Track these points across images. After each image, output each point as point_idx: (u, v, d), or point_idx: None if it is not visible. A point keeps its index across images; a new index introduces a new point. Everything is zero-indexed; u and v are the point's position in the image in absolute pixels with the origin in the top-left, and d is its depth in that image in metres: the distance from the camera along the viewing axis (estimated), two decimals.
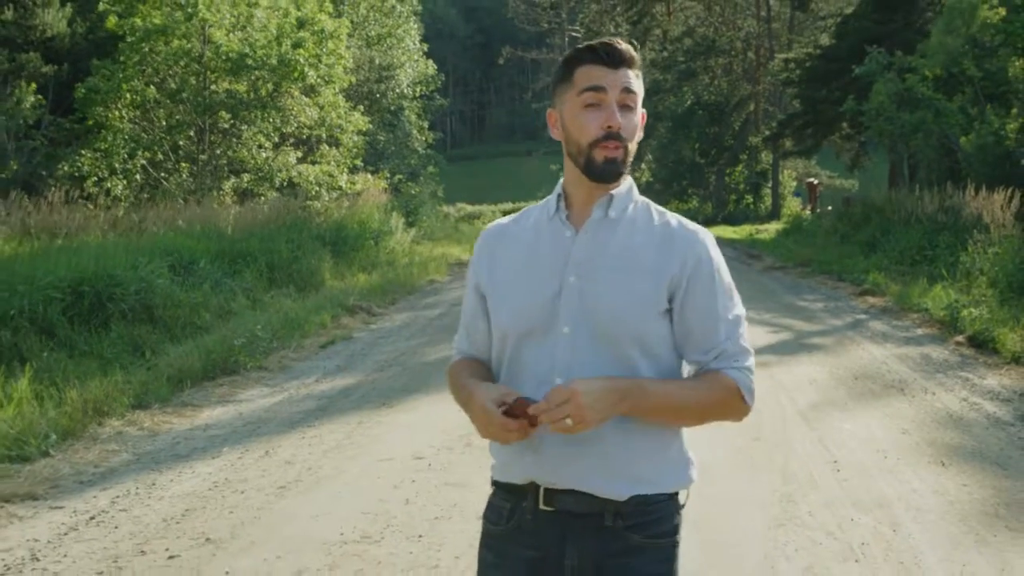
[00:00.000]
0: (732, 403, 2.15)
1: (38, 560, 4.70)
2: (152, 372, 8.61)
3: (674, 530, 2.17)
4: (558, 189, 2.24)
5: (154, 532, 5.04)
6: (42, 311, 8.96)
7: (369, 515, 5.17)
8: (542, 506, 2.12)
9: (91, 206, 16.72)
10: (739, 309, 2.19)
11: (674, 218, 2.20)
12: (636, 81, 2.15)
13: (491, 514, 2.25)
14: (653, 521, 2.13)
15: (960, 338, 10.61)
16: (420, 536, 4.84)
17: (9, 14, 23.57)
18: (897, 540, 4.68)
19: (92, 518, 5.30)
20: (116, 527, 5.15)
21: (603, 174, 2.12)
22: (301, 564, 4.51)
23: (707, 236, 2.18)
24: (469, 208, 48.59)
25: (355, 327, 12.28)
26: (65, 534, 5.05)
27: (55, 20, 24.94)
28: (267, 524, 5.10)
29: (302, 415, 7.65)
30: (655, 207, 2.23)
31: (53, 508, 5.51)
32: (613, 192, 2.18)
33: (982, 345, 10.11)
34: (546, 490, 2.12)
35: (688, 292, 2.12)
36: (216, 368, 9.17)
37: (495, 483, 2.25)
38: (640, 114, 2.17)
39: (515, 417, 2.03)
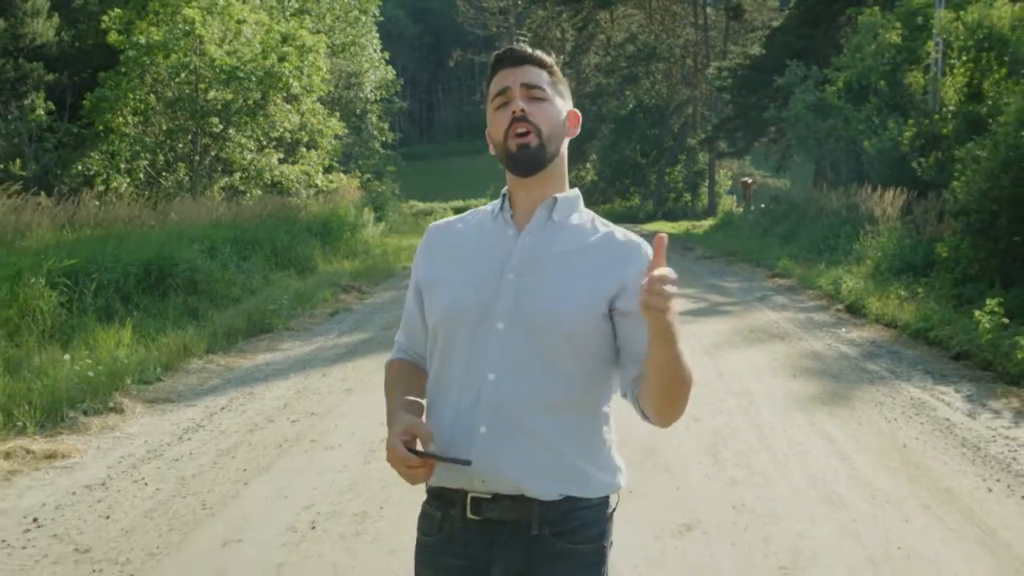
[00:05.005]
0: (688, 393, 2.08)
1: (203, 427, 7.29)
2: (208, 329, 11.13)
3: (602, 535, 2.18)
4: (504, 191, 2.28)
5: (272, 413, 7.67)
6: (122, 283, 11.46)
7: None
8: (469, 515, 2.13)
9: (97, 203, 19.07)
10: None
11: (619, 230, 2.23)
12: (542, 77, 2.19)
13: (424, 524, 2.26)
14: (581, 526, 2.15)
15: (840, 306, 13.50)
16: None
17: (1, 23, 25.51)
18: (751, 407, 7.47)
19: (222, 408, 7.91)
20: (243, 412, 7.76)
21: (519, 160, 2.15)
22: (381, 422, 7.15)
23: (649, 247, 2.15)
24: (421, 205, 48.57)
25: (352, 301, 14.88)
26: (210, 416, 7.65)
27: (44, 29, 26.91)
28: (347, 408, 7.77)
29: (338, 355, 10.28)
30: (600, 219, 2.27)
31: (189, 406, 8.08)
32: (558, 196, 2.21)
33: (856, 311, 12.96)
34: (473, 498, 2.13)
35: (634, 296, 2.05)
36: (255, 327, 11.72)
37: (428, 489, 2.25)
38: (563, 108, 2.22)
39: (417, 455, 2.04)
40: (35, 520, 5.21)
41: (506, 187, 2.27)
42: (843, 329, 11.71)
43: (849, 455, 6.25)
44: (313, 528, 5.01)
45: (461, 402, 2.13)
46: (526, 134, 2.13)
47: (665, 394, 2.06)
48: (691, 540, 4.79)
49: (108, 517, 5.25)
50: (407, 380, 2.32)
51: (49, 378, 7.93)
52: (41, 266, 9.83)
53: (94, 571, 4.50)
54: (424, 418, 2.20)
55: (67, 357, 8.29)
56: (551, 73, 2.22)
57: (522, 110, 2.14)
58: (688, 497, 5.43)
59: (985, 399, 7.91)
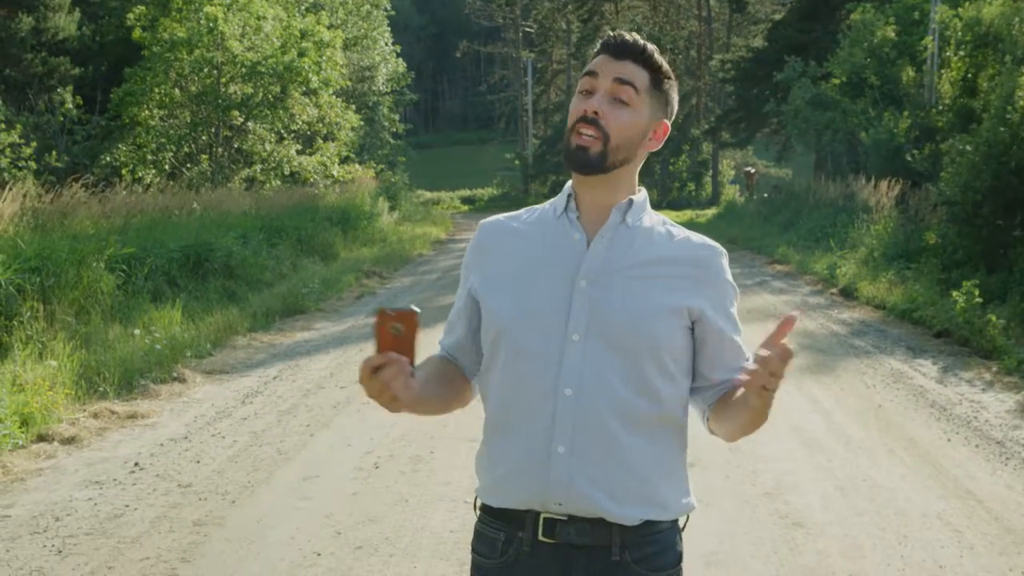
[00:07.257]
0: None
1: (261, 393, 8.24)
2: (248, 310, 12.07)
3: (678, 559, 2.09)
4: (568, 189, 2.09)
5: (319, 381, 8.62)
6: (168, 267, 12.41)
7: None
8: (541, 537, 1.98)
9: (125, 192, 20.01)
10: None
11: (693, 235, 2.10)
12: (641, 78, 2.00)
13: (482, 546, 2.09)
14: (660, 551, 2.04)
15: (834, 290, 14.45)
16: None
17: (29, 20, 26.41)
18: None
19: (274, 378, 8.86)
20: (294, 381, 8.71)
21: (572, 158, 1.99)
22: None
23: (723, 252, 2.11)
24: (428, 195, 48.79)
25: (375, 286, 15.83)
26: (265, 384, 8.60)
27: (66, 23, 27.77)
28: None
29: (370, 333, 11.09)
30: (670, 222, 2.12)
31: (243, 376, 9.03)
32: (633, 197, 2.06)
33: (849, 294, 13.90)
34: (546, 519, 1.97)
35: (718, 311, 2.07)
36: (290, 309, 12.66)
37: (487, 508, 2.08)
38: (647, 120, 2.03)
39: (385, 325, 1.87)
40: (136, 464, 6.17)
41: (569, 182, 2.11)
42: (835, 310, 12.65)
43: (830, 412, 7.22)
44: (376, 467, 5.98)
45: (534, 421, 1.98)
46: (589, 138, 1.97)
47: (746, 430, 2.10)
48: (691, 473, 5.70)
49: (199, 462, 6.21)
50: (435, 366, 2.15)
51: (118, 351, 8.88)
52: (102, 252, 10.76)
53: (200, 499, 5.46)
54: (487, 439, 2.10)
55: (137, 332, 9.26)
56: (654, 76, 2.03)
57: (595, 112, 1.97)
58: (688, 442, 6.35)
59: (958, 370, 8.85)
